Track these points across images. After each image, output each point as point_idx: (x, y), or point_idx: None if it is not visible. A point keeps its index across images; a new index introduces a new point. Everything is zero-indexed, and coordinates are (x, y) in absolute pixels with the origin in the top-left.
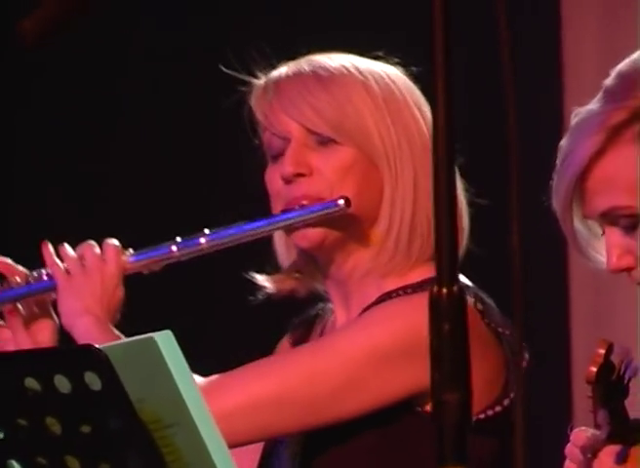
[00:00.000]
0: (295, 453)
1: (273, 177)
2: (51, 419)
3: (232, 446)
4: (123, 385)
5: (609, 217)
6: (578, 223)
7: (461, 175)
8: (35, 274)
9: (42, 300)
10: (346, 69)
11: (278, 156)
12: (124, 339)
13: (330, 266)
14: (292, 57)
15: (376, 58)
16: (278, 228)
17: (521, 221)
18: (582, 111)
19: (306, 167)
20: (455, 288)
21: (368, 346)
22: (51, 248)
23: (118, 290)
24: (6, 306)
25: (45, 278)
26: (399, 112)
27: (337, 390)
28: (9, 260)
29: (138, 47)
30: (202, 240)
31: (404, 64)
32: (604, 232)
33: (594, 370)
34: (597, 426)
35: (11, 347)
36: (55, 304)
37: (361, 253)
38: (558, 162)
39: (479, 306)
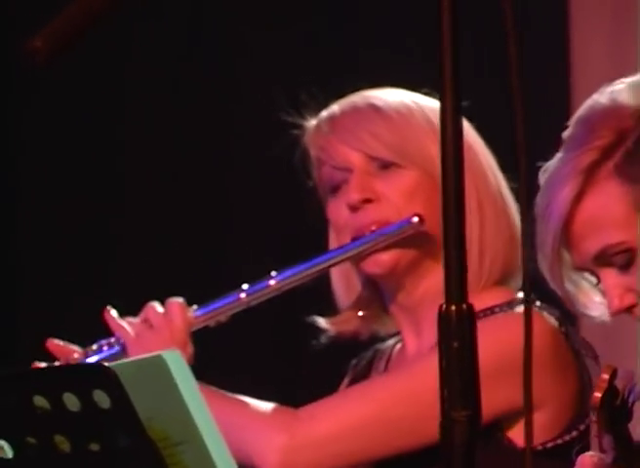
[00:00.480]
0: None
1: (337, 209)
2: (60, 437)
3: None
4: (132, 403)
5: (603, 259)
6: (570, 274)
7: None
8: (94, 347)
9: None
10: (401, 99)
11: (338, 188)
12: (133, 358)
13: (399, 293)
14: (339, 96)
15: (424, 94)
16: (350, 256)
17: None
18: (550, 165)
19: (372, 192)
20: (464, 305)
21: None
22: (113, 312)
23: (188, 346)
24: None
25: (105, 348)
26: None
27: (427, 413)
28: (59, 342)
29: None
30: (271, 282)
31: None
32: (598, 277)
33: (599, 395)
34: (602, 451)
35: None
36: None
37: (433, 276)
38: (538, 220)
39: (563, 329)
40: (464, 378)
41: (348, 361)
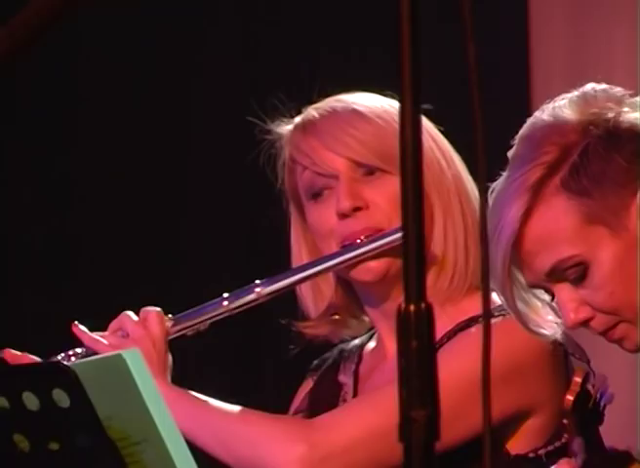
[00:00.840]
0: None
1: (321, 216)
2: (19, 436)
3: None
4: (91, 402)
5: (556, 275)
6: (522, 294)
7: None
8: (59, 358)
9: None
10: (380, 104)
11: (320, 194)
12: (93, 357)
13: (385, 300)
14: (307, 103)
15: (385, 96)
16: (342, 263)
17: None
18: (497, 184)
19: (362, 200)
20: (422, 305)
21: (468, 374)
22: (82, 327)
23: (167, 354)
24: None
25: (73, 360)
26: (435, 143)
27: (445, 418)
28: (16, 352)
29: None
30: (256, 289)
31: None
32: (552, 293)
33: (571, 398)
34: (573, 454)
35: None
36: None
37: None
38: (490, 241)
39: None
40: (423, 378)
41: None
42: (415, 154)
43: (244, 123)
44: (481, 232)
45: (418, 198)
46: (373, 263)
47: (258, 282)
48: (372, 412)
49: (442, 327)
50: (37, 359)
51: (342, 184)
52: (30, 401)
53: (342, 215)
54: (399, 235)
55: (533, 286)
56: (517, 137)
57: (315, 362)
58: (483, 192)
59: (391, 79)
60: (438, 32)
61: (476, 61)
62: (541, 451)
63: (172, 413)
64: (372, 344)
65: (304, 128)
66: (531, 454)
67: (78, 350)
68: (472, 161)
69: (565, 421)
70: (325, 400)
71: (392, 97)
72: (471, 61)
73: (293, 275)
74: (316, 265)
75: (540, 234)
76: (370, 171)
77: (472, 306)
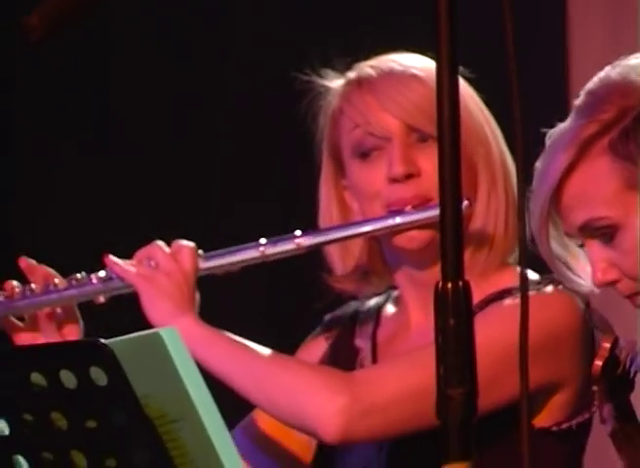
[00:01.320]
0: (381, 446)
1: (369, 176)
2: (56, 414)
3: (387, 438)
4: (129, 380)
5: (587, 231)
6: (554, 243)
7: None
8: (79, 276)
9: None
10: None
11: (368, 154)
12: (130, 335)
13: (419, 269)
14: (355, 59)
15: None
16: (385, 229)
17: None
18: (555, 131)
19: (415, 167)
20: (460, 282)
21: (505, 342)
22: (113, 257)
23: (196, 292)
24: (44, 309)
25: (95, 281)
26: (484, 115)
27: (485, 383)
28: (33, 261)
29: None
30: (297, 240)
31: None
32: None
33: (599, 363)
34: (602, 421)
35: None
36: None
37: None
38: (534, 182)
39: (587, 308)
40: (461, 356)
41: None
42: (453, 129)
43: (284, 77)
44: (519, 211)
45: (456, 175)
46: (416, 233)
47: (298, 233)
48: (412, 371)
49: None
50: (52, 271)
51: (397, 148)
52: (68, 379)
53: (394, 180)
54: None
55: (568, 235)
56: (584, 89)
57: (327, 317)
58: (521, 178)
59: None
60: (475, 20)
61: (514, 48)
62: (565, 426)
63: (209, 354)
64: (391, 308)
65: (360, 83)
66: (554, 428)
67: (101, 274)
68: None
69: (594, 388)
70: (342, 365)
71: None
72: (510, 49)
73: (335, 231)
74: (361, 226)
75: (578, 190)
76: (423, 137)
77: (503, 280)
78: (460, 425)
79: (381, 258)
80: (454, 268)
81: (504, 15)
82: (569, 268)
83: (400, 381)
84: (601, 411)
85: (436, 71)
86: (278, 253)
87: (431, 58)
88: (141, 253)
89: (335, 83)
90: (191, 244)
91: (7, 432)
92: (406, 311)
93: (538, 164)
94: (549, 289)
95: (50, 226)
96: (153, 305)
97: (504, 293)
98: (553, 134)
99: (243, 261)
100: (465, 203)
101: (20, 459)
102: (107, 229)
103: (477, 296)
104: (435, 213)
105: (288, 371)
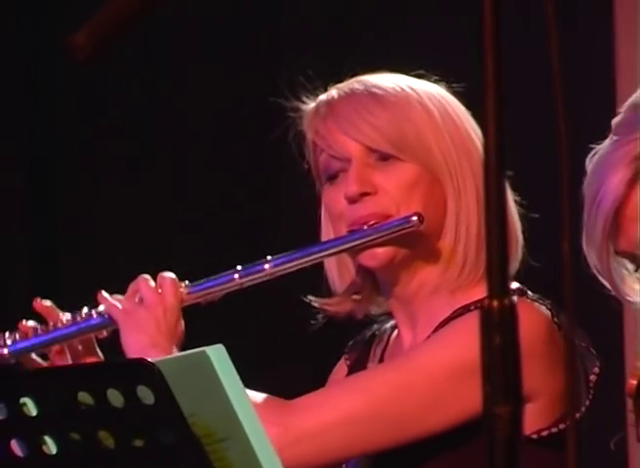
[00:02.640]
0: None
1: (334, 198)
2: (104, 433)
3: (323, 464)
4: (176, 399)
5: None
6: (612, 260)
7: (513, 188)
8: (83, 314)
9: (87, 339)
10: (400, 87)
11: (335, 177)
12: (177, 353)
13: (395, 286)
14: (337, 80)
15: (418, 76)
16: (347, 249)
17: (572, 231)
18: (600, 149)
19: (371, 186)
20: (506, 300)
21: (451, 361)
22: (104, 293)
23: (179, 322)
24: (54, 346)
25: (94, 316)
26: (456, 128)
27: (423, 406)
28: (49, 303)
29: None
30: (266, 266)
31: (444, 81)
32: (638, 264)
33: (634, 382)
34: (638, 438)
35: None
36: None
37: (429, 270)
38: (588, 203)
39: (556, 319)
40: (507, 374)
41: (343, 339)
42: (498, 154)
43: (271, 100)
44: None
45: (500, 196)
46: (378, 250)
47: (269, 258)
48: (350, 397)
49: (438, 314)
50: (65, 313)
51: (353, 169)
52: (115, 398)
53: (350, 200)
54: (403, 225)
55: (622, 253)
56: (626, 105)
57: (350, 343)
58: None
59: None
60: (518, 28)
61: (559, 58)
62: (545, 433)
63: None
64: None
65: (323, 109)
66: (534, 436)
67: (100, 308)
68: (556, 165)
69: (629, 407)
70: None
71: (424, 78)
72: (554, 60)
73: (302, 255)
74: (323, 248)
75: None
76: (383, 157)
77: (472, 295)
78: (507, 443)
79: (374, 277)
80: (499, 286)
81: (549, 29)
82: (626, 284)
83: (335, 408)
84: (637, 429)
85: (482, 99)
86: (251, 280)
87: (417, 76)
88: (132, 286)
89: (308, 107)
90: (172, 276)
91: (54, 451)
92: (399, 331)
93: (587, 185)
94: (513, 299)
95: (92, 240)
96: (127, 338)
97: (464, 310)
98: (598, 152)
99: (222, 290)
100: (414, 219)
101: None
102: (147, 242)
103: (444, 313)
104: (390, 229)
105: None
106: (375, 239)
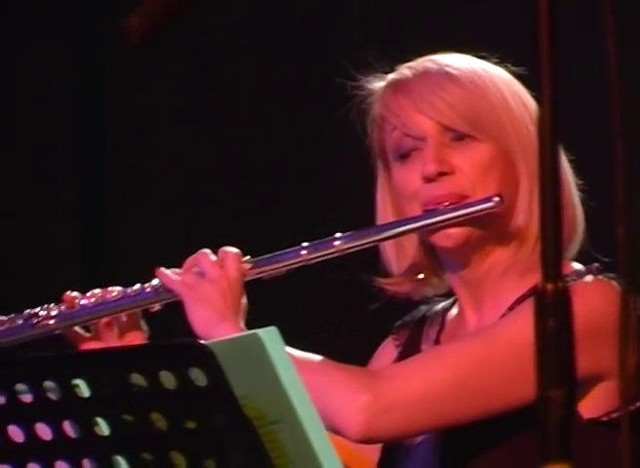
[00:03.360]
0: (435, 448)
1: (407, 177)
2: (156, 415)
3: (410, 435)
4: (229, 381)
5: None
6: None
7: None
8: (135, 287)
9: (133, 312)
10: (473, 67)
11: (407, 155)
12: (228, 336)
13: (464, 267)
14: (402, 60)
15: (480, 57)
16: (422, 227)
17: (627, 216)
18: None
19: (448, 165)
20: (560, 283)
21: (519, 342)
22: (163, 269)
23: (243, 297)
24: (103, 320)
25: (148, 290)
26: (525, 109)
27: (510, 377)
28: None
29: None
30: (336, 242)
31: (504, 63)
32: None
33: None
34: None
35: None
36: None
37: (500, 251)
38: None
39: (631, 297)
40: (561, 357)
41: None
42: (552, 143)
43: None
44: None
45: (554, 179)
46: (453, 230)
47: (338, 235)
48: (437, 367)
49: (507, 297)
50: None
51: (429, 148)
52: (167, 380)
53: (427, 179)
54: (484, 206)
55: None
56: None
57: (398, 322)
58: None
59: (489, 44)
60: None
61: (617, 65)
62: (616, 415)
63: None
64: (454, 310)
65: (396, 86)
66: (604, 418)
67: (154, 282)
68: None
69: None
70: None
71: (486, 60)
72: (611, 57)
73: (373, 233)
74: (397, 226)
75: None
76: (459, 136)
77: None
78: (560, 426)
79: (436, 258)
80: (553, 270)
81: (606, 25)
82: None
83: (424, 378)
84: None
85: (539, 87)
86: (319, 257)
87: (479, 57)
88: (189, 261)
89: (376, 85)
90: (236, 250)
91: (107, 432)
92: (462, 312)
93: None
94: (588, 278)
95: (140, 219)
96: (195, 312)
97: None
98: None
99: (287, 265)
100: (496, 199)
101: (120, 460)
102: (196, 223)
103: (512, 296)
104: (470, 209)
105: (315, 372)
106: (454, 218)
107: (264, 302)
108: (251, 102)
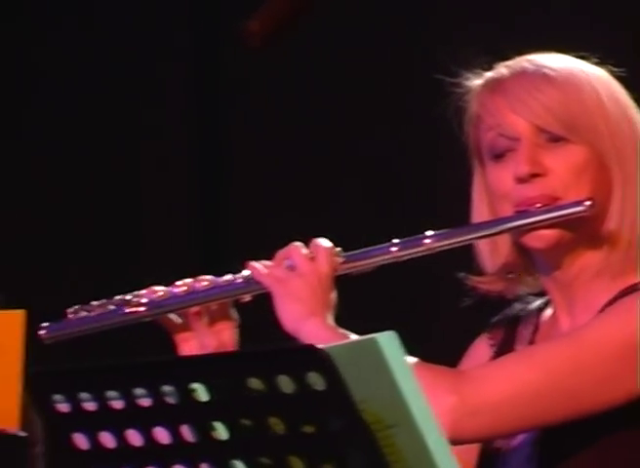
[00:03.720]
0: (532, 455)
1: (500, 177)
2: (274, 419)
3: (498, 436)
4: (347, 385)
5: None
6: None
7: None
8: (226, 278)
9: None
10: (570, 68)
11: (501, 156)
12: (346, 340)
13: (555, 269)
14: (499, 58)
15: (579, 57)
16: (514, 228)
17: None
18: None
19: (541, 167)
20: None
21: (622, 338)
22: (253, 263)
23: (333, 292)
24: (192, 308)
25: (239, 281)
26: (623, 113)
27: (599, 381)
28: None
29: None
30: (426, 240)
31: (605, 64)
32: None
33: None
34: None
35: (193, 346)
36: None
37: (591, 254)
38: None
39: None
40: None
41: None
42: None
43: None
44: None
45: None
46: (545, 232)
47: (429, 233)
48: (527, 369)
49: (598, 300)
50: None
51: (523, 149)
52: (285, 384)
53: (520, 180)
54: (576, 209)
55: None
56: None
57: (492, 321)
58: None
59: (591, 43)
60: None
61: None
62: None
63: None
64: (549, 311)
65: (492, 85)
66: None
67: (245, 273)
68: None
69: None
70: None
71: (586, 60)
72: None
73: (464, 233)
74: (488, 227)
75: None
76: (553, 138)
77: (633, 277)
78: None
79: (529, 258)
80: None
81: None
82: None
83: (513, 380)
84: None
85: None
86: (410, 254)
87: (579, 57)
88: (280, 254)
89: (474, 83)
90: (329, 244)
91: (225, 437)
92: (555, 313)
93: None
94: None
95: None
96: (283, 306)
97: (630, 289)
98: None
99: (377, 262)
100: (587, 203)
101: (238, 464)
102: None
103: (604, 299)
104: (562, 212)
105: None
106: (545, 220)
107: (355, 299)
108: (360, 99)
